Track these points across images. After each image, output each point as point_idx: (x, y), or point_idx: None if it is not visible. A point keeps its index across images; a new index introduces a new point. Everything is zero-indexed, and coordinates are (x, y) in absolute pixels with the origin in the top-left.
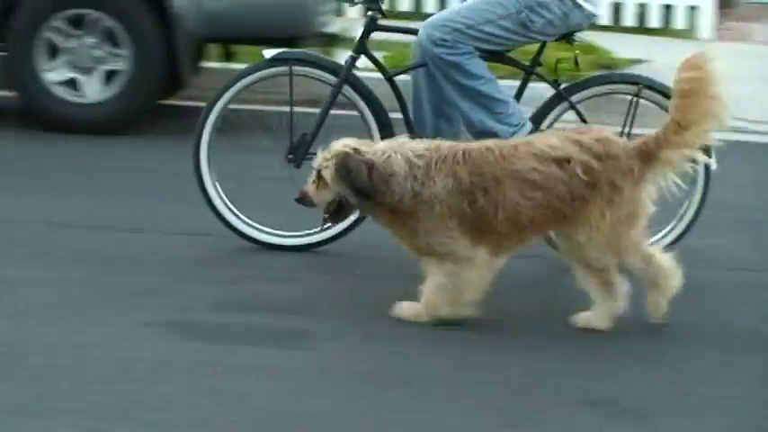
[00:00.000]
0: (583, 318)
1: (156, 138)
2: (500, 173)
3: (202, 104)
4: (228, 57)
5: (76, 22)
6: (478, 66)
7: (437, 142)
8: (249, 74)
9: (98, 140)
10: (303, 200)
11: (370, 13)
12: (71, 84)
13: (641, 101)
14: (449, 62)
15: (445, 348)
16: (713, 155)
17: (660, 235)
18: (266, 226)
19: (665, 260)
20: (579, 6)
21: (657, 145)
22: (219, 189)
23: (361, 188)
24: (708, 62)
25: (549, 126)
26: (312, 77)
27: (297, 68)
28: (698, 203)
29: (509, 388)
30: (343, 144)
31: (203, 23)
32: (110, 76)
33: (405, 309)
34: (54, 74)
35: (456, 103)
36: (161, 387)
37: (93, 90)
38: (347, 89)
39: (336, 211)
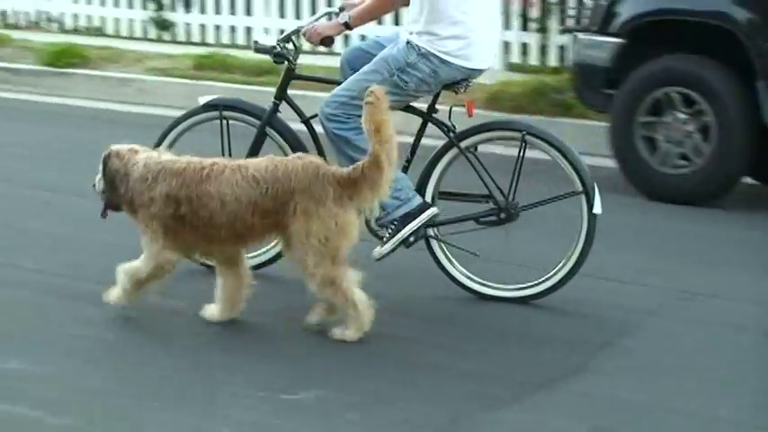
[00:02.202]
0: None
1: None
2: (201, 188)
3: None
4: None
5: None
6: (367, 141)
7: (186, 159)
8: (184, 120)
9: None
10: (95, 185)
11: (286, 64)
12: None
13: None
14: (339, 136)
15: None
16: (597, 199)
17: (547, 276)
18: None
19: (361, 297)
20: (445, 62)
21: (360, 175)
22: None
23: (107, 182)
24: (384, 96)
25: (442, 171)
26: (241, 122)
27: (226, 113)
28: (582, 247)
29: None
30: (117, 147)
31: None
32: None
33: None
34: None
35: None
36: None
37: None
38: (270, 131)
39: (110, 200)
